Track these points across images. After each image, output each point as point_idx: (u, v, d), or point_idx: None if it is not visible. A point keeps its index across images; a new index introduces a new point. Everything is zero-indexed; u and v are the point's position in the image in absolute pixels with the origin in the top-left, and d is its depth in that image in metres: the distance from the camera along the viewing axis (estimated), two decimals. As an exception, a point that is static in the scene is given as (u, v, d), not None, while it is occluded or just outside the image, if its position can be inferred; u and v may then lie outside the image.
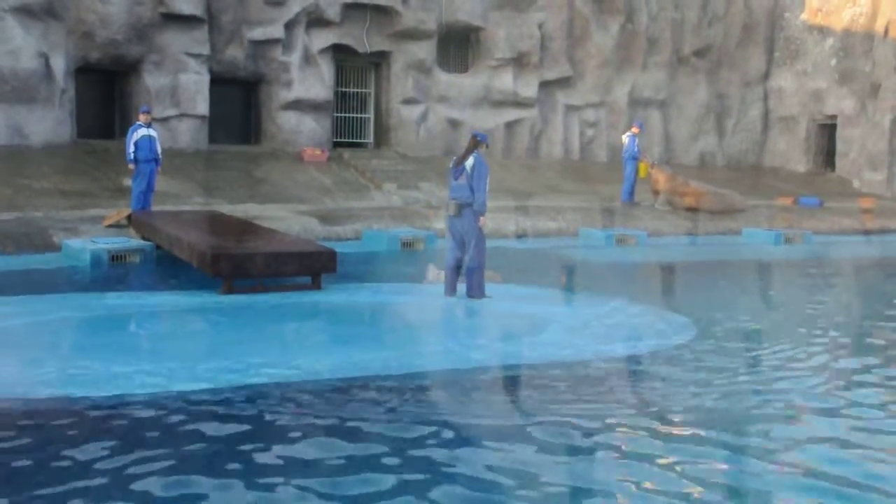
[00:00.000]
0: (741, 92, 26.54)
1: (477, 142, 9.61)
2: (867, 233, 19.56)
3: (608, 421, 5.56)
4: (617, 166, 23.56)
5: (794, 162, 26.45)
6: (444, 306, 9.46)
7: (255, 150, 19.89)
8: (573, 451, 4.98)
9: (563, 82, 23.43)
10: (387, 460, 4.66)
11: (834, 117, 25.63)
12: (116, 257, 11.78)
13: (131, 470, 4.45)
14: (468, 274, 9.60)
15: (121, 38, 17.89)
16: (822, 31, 25.77)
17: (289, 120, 20.08)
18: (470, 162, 9.47)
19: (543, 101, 23.14)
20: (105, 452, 4.69)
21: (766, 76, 26.84)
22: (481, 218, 9.48)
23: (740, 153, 26.78)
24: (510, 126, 22.71)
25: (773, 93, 26.75)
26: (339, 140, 21.36)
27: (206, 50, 18.88)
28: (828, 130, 26.10)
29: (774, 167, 26.57)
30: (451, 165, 9.72)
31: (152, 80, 18.39)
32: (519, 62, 22.56)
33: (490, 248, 11.51)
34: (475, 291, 9.56)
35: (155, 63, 18.41)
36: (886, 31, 24.14)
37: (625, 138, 19.24)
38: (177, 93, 18.58)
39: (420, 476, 4.46)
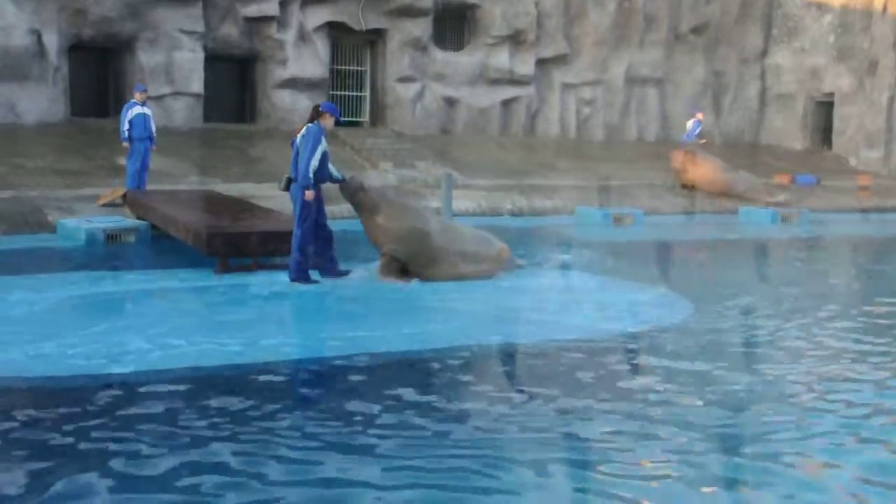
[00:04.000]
0: (738, 69, 26.42)
1: (319, 112, 8.95)
2: (864, 211, 19.55)
3: (597, 400, 5.55)
4: (613, 145, 23.56)
5: (791, 140, 26.39)
6: (432, 286, 9.38)
7: (250, 128, 19.77)
8: (561, 433, 4.98)
9: (560, 60, 23.30)
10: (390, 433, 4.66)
11: (831, 95, 25.55)
12: (112, 237, 11.72)
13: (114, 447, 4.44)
14: (291, 253, 9.00)
15: (114, 14, 17.72)
16: (820, 7, 25.62)
17: (284, 98, 19.95)
18: (302, 132, 8.93)
19: (540, 79, 23.02)
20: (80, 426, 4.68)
21: (763, 53, 26.71)
22: (306, 192, 8.74)
23: (737, 131, 26.70)
24: (507, 104, 22.60)
25: (771, 70, 26.63)
26: (334, 118, 21.21)
27: (200, 27, 18.72)
28: (825, 108, 26.02)
29: (771, 145, 26.51)
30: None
31: (146, 57, 18.24)
32: (515, 40, 22.41)
33: (487, 226, 11.48)
34: (293, 273, 8.96)
35: (149, 40, 18.25)
36: (885, 8, 24.02)
37: (690, 123, 19.90)
38: (171, 71, 18.44)
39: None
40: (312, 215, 9.00)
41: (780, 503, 4.09)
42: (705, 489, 4.21)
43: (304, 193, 8.79)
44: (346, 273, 9.35)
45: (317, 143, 8.81)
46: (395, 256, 9.23)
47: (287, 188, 9.06)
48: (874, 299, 9.49)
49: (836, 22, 25.23)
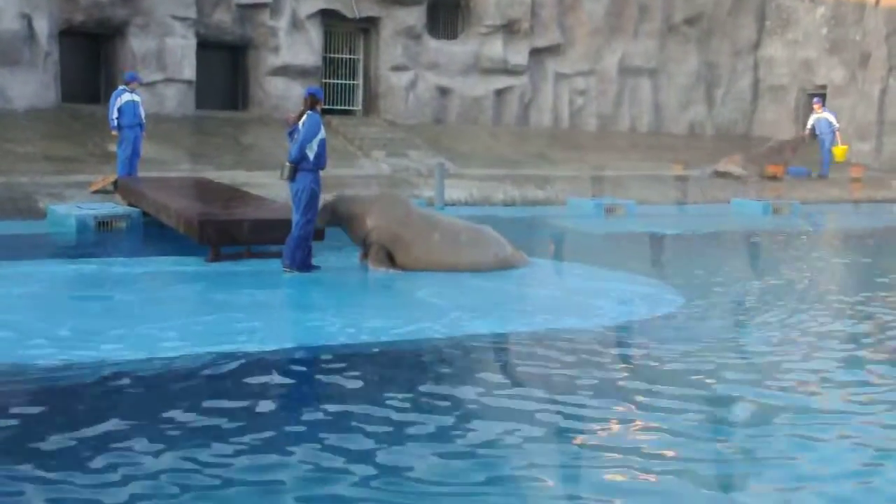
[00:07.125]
0: (731, 61, 26.42)
1: (315, 100, 9.13)
2: (855, 202, 19.62)
3: (589, 391, 5.58)
4: (606, 136, 23.58)
5: (784, 131, 26.37)
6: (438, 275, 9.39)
7: (242, 116, 19.70)
8: (555, 424, 5.00)
9: (554, 50, 23.26)
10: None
11: (824, 87, 25.57)
12: (102, 223, 11.70)
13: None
14: (287, 240, 9.04)
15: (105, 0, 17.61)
16: (814, -1, 25.63)
17: (276, 86, 19.88)
18: (303, 120, 9.01)
19: (533, 68, 22.99)
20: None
21: (756, 45, 26.71)
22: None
23: (730, 123, 26.72)
24: (500, 94, 22.56)
25: (764, 62, 26.64)
26: (327, 107, 21.15)
27: (192, 13, 18.62)
28: (817, 100, 26.04)
29: (764, 137, 26.51)
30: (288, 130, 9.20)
31: (138, 43, 18.14)
32: (509, 29, 22.36)
33: (478, 216, 11.49)
34: (288, 260, 9.00)
35: (140, 26, 18.15)
36: (877, 1, 24.03)
37: (830, 118, 21.17)
38: (163, 57, 18.34)
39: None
40: (317, 205, 9.10)
41: (777, 496, 4.13)
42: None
43: (296, 173, 8.93)
44: (318, 268, 9.31)
45: (317, 128, 9.03)
46: (382, 244, 9.31)
47: (291, 177, 9.03)
48: (863, 290, 9.53)
49: (829, 14, 25.24)
